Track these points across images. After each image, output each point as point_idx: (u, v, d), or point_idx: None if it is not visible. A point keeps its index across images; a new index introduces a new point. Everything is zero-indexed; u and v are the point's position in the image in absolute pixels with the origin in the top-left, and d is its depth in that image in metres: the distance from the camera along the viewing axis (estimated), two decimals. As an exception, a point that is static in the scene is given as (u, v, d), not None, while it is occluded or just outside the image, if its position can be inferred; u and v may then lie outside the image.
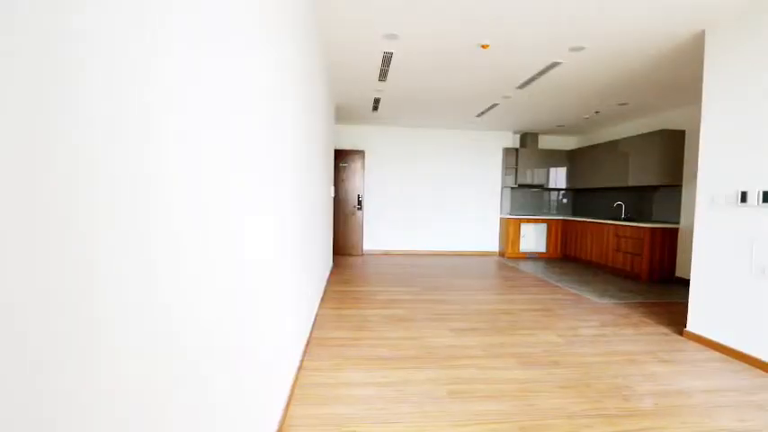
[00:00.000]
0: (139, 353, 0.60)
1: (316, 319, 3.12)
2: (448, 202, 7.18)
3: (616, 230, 5.49)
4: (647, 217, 5.59)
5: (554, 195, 7.57)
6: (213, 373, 0.92)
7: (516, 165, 7.03)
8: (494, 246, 7.28)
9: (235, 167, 1.03)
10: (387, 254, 6.97)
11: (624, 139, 5.68)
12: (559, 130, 6.88)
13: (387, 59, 3.68)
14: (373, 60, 3.72)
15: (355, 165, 6.69)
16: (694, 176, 4.66)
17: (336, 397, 1.94)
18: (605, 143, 6.13)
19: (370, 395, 1.96)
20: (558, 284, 4.66)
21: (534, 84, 4.29)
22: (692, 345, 2.77)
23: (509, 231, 6.81)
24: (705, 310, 2.79)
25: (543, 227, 6.98)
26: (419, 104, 5.38)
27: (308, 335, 2.67)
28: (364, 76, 4.18)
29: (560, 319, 3.28)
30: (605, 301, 3.90)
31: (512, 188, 7.30)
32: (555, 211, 7.57)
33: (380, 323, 3.09)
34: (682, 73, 3.79)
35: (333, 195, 5.30)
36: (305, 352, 2.45)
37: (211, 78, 0.87)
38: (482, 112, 5.75)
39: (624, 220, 5.68)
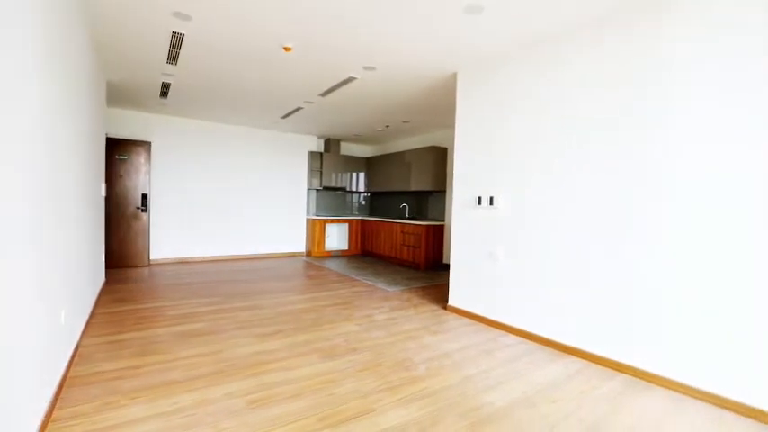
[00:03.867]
0: None
1: (76, 353, 2.46)
2: (254, 204, 6.90)
3: (402, 228, 6.49)
4: (425, 216, 6.83)
5: (355, 197, 8.32)
6: None
7: (321, 168, 7.38)
8: (301, 246, 7.43)
9: None
10: (183, 262, 6.14)
11: (408, 151, 6.76)
12: (358, 138, 7.61)
13: (177, 41, 3.23)
14: (160, 38, 3.20)
15: (139, 158, 5.61)
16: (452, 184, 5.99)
17: (106, 443, 1.58)
18: (394, 153, 7.15)
19: (153, 430, 1.68)
20: (358, 278, 5.16)
21: (335, 93, 4.60)
22: (453, 316, 3.55)
23: (315, 231, 7.09)
24: (460, 287, 3.62)
25: (345, 226, 7.57)
26: (219, 97, 4.96)
27: (61, 374, 2.07)
28: (149, 53, 3.56)
29: (358, 310, 3.64)
30: (394, 289, 4.56)
31: (317, 190, 7.63)
32: (356, 212, 8.33)
33: (172, 343, 2.69)
34: (447, 101, 4.79)
35: (104, 194, 4.29)
36: (57, 398, 1.89)
37: None
38: (287, 114, 5.77)
39: (408, 219, 6.77)
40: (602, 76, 2.56)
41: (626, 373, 2.40)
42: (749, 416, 1.93)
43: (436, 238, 6.21)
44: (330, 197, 7.91)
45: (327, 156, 7.44)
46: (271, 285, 4.60)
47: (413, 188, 6.55)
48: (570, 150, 2.74)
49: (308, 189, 7.50)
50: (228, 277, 5.02)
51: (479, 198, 3.39)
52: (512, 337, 3.01)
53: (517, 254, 3.09)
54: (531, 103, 3.01)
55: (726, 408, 2.01)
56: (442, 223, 6.28)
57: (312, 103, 5.06)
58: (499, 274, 3.24)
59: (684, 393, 2.15)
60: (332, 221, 7.33)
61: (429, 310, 3.73)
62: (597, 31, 2.59)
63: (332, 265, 6.29)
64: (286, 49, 3.31)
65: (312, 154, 7.43)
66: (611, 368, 2.47)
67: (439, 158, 6.31)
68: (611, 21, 2.51)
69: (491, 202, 3.28)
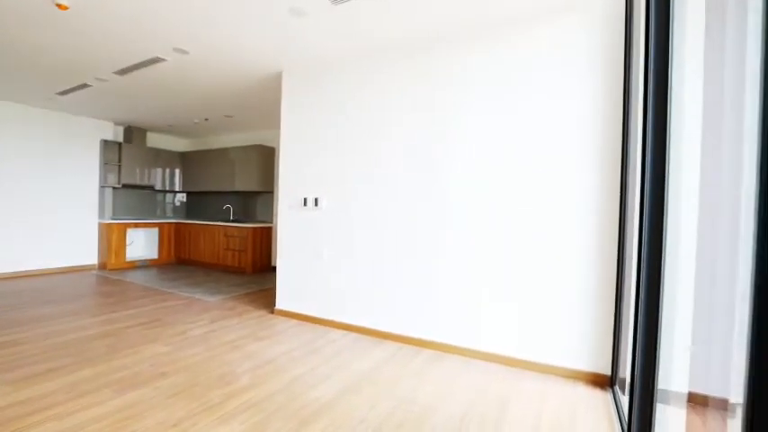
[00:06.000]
0: None
1: None
2: (18, 204, 5.15)
3: (225, 231, 5.99)
4: (252, 218, 6.48)
5: (168, 197, 7.22)
6: None
7: (120, 161, 6.11)
8: (92, 257, 5.97)
9: None
10: None
11: (232, 147, 6.28)
12: (171, 129, 6.63)
13: None
14: None
15: None
16: (282, 185, 5.88)
17: None
18: (217, 150, 6.53)
19: None
20: (171, 291, 4.49)
21: (137, 73, 3.88)
22: (281, 319, 3.48)
23: (112, 239, 5.81)
24: (287, 289, 3.58)
25: (155, 231, 6.49)
26: (-58, 54, 3.51)
27: None
28: None
29: (170, 327, 3.17)
30: (216, 298, 4.17)
31: (114, 188, 6.27)
32: (170, 214, 7.24)
33: None
34: (274, 100, 4.63)
35: None
36: None
37: None
38: (67, 91, 4.55)
39: (233, 221, 6.30)
40: (406, 93, 2.96)
41: (430, 348, 2.84)
42: (507, 364, 2.57)
43: (264, 241, 5.98)
44: (133, 197, 6.62)
45: (129, 147, 6.21)
46: (41, 311, 3.54)
47: (238, 188, 6.13)
48: (384, 156, 3.06)
49: (102, 186, 6.08)
50: (-36, 307, 3.61)
51: (305, 199, 3.44)
52: (338, 332, 3.16)
53: (340, 253, 3.27)
54: (350, 111, 3.22)
55: (496, 362, 2.61)
56: (270, 225, 6.09)
57: (105, 81, 4.14)
58: (324, 272, 3.35)
59: (471, 357, 2.70)
60: (136, 226, 6.16)
61: (255, 316, 3.56)
62: (401, 52, 2.99)
63: (136, 277, 5.29)
64: (60, 6, 2.60)
65: (107, 144, 6.06)
66: (420, 346, 2.88)
67: (266, 158, 6.10)
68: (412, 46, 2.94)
69: (316, 204, 3.37)
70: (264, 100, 4.66)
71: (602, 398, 2.17)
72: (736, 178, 0.86)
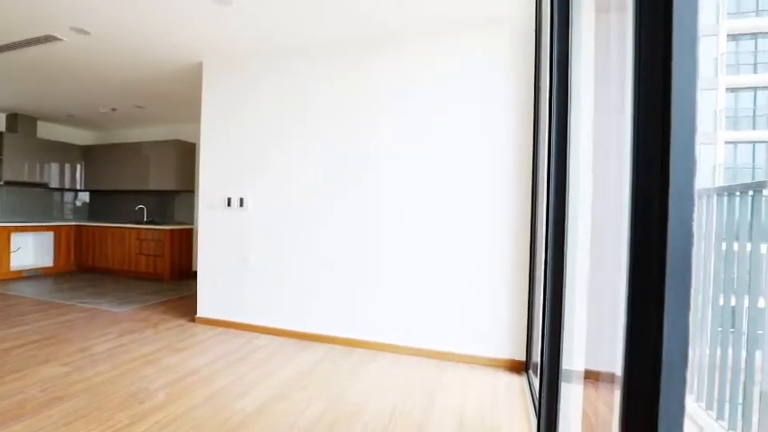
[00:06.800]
0: None
1: None
2: None
3: (138, 234, 5.43)
4: (170, 219, 5.95)
5: (67, 197, 6.36)
6: None
7: (1, 155, 5.22)
8: (-37, 268, 5.03)
9: None
10: None
11: (146, 142, 5.72)
12: (70, 120, 5.84)
13: None
14: None
15: None
16: (205, 184, 5.48)
17: None
18: (128, 144, 5.89)
19: None
20: (70, 302, 3.95)
21: (23, 53, 3.35)
22: (202, 328, 3.25)
23: (-9, 245, 4.95)
24: (210, 295, 3.36)
25: (49, 235, 5.65)
26: None
27: None
28: None
29: (68, 344, 2.79)
30: (126, 309, 3.75)
31: (-5, 186, 5.35)
32: (69, 216, 6.37)
33: None
34: (194, 92, 4.29)
35: None
36: None
37: None
38: (-76, 68, 3.78)
39: (147, 223, 5.73)
40: (333, 88, 2.95)
41: (363, 348, 2.85)
42: (436, 358, 2.68)
43: (184, 244, 5.54)
44: (22, 196, 5.70)
45: (14, 138, 5.34)
46: None
47: (152, 187, 5.60)
48: (313, 157, 3.01)
49: (-24, 184, 5.15)
50: None
51: (229, 199, 3.25)
52: (266, 338, 3.04)
53: (266, 255, 3.14)
54: (275, 106, 3.12)
55: (426, 356, 2.71)
56: (191, 227, 5.65)
57: (-22, 59, 3.51)
58: (251, 276, 3.20)
59: (402, 353, 2.76)
60: (23, 229, 5.31)
61: (174, 326, 3.28)
62: (327, 50, 2.97)
63: (24, 289, 4.56)
64: None
65: (-18, 133, 5.15)
66: (352, 346, 2.88)
67: (186, 154, 5.65)
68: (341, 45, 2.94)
69: (242, 204, 3.21)
70: (183, 91, 4.31)
71: (518, 381, 2.36)
72: (619, 181, 1.00)
